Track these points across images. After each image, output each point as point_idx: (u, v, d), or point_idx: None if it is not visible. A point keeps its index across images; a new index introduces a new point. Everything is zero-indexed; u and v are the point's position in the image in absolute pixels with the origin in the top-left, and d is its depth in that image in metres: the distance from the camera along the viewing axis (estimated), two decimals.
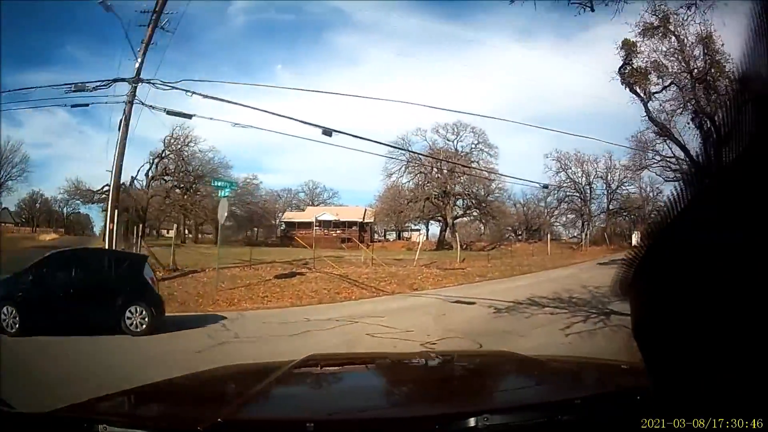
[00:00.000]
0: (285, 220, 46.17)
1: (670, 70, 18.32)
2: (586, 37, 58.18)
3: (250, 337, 7.50)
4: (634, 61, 18.51)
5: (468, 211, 41.41)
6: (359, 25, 54.00)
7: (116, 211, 13.48)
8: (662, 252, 0.79)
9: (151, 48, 13.00)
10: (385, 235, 48.79)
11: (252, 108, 13.08)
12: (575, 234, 46.70)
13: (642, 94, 18.52)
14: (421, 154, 36.39)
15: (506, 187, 40.34)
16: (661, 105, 18.81)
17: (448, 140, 38.28)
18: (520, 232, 46.99)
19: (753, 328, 0.67)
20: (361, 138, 12.17)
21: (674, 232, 0.76)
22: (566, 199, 41.97)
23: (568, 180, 40.22)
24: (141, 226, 25.96)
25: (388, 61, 58.00)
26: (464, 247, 35.86)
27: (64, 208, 44.44)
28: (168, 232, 36.40)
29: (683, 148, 18.56)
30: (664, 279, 0.79)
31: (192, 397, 1.88)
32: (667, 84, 18.48)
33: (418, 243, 25.77)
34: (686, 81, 18.11)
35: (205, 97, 12.04)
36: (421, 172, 38.99)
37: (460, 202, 40.50)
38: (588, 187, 40.85)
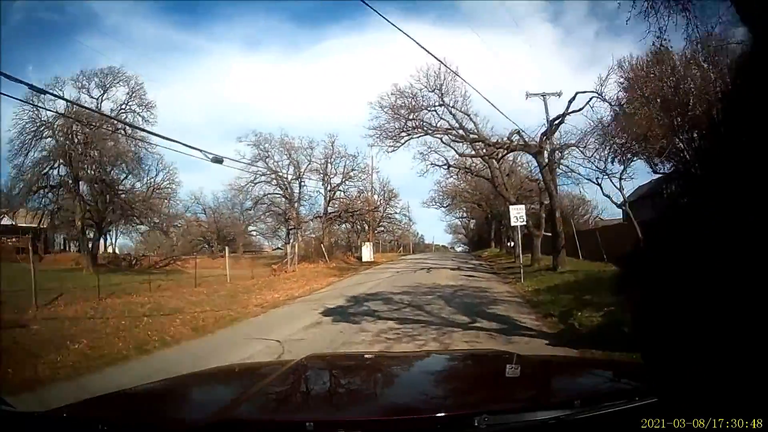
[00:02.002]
0: None
1: None
2: (316, 49, 58.82)
3: None
4: None
5: (126, 212, 27.05)
6: (105, 29, 46.10)
7: None
8: (661, 252, 0.79)
9: None
10: (63, 245, 34.98)
11: None
12: (280, 245, 33.77)
13: None
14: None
15: (186, 189, 30.23)
16: None
17: (92, 96, 23.82)
18: (212, 244, 37.37)
19: (752, 328, 0.67)
20: None
21: (673, 232, 0.76)
22: (264, 198, 30.82)
23: (270, 172, 28.49)
24: None
25: (130, 65, 53.61)
26: (134, 262, 26.97)
27: None
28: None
29: None
30: (662, 279, 0.79)
31: (191, 397, 1.89)
32: None
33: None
34: None
35: None
36: (51, 146, 23.47)
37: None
38: (297, 182, 29.37)
